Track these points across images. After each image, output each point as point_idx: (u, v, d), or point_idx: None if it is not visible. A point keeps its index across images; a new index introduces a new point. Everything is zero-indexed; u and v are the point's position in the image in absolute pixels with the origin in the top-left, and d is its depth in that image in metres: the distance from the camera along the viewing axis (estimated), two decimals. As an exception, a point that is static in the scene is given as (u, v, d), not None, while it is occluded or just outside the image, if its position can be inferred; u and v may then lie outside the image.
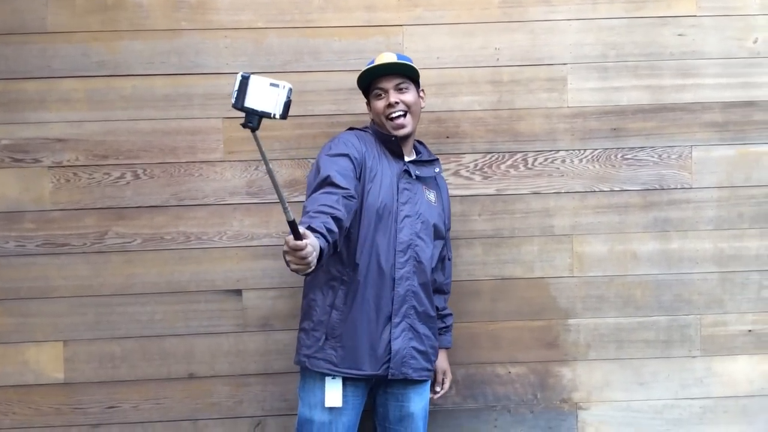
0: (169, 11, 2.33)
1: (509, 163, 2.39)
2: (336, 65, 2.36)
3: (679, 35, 2.41)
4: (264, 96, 1.34)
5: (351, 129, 2.07)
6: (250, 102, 1.33)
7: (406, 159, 2.03)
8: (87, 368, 2.31)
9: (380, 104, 2.00)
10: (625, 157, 2.40)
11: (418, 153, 2.12)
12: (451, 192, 2.30)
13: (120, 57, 2.32)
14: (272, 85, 1.34)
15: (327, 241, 1.62)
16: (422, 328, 1.98)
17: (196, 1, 2.33)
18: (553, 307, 2.40)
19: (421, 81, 2.07)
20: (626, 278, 2.41)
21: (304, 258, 1.46)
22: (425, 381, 2.03)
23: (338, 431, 1.90)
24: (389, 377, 1.92)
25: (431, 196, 2.06)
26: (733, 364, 2.43)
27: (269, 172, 1.37)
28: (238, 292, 2.34)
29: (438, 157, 2.19)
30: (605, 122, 2.40)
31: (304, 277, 2.03)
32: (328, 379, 1.89)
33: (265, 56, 2.34)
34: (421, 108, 2.09)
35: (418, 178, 2.02)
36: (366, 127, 2.08)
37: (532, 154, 2.39)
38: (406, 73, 2.00)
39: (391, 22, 2.37)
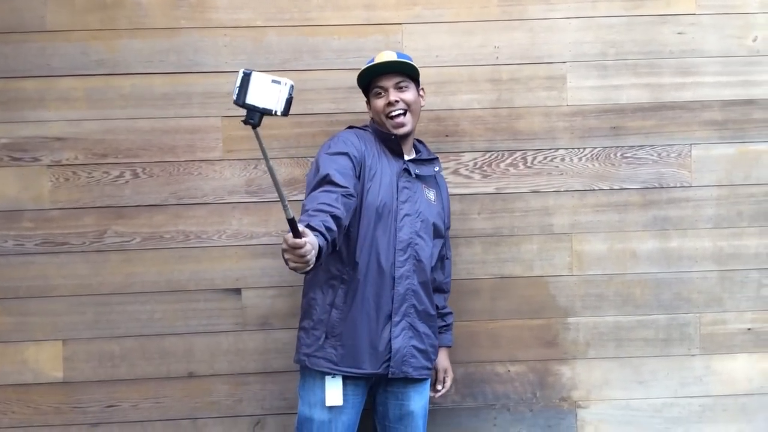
0: (168, 10, 2.33)
1: (508, 161, 2.39)
2: (335, 64, 2.35)
3: (679, 33, 2.41)
4: (265, 93, 1.33)
5: (350, 127, 2.07)
6: (251, 99, 1.33)
7: (406, 158, 2.03)
8: (86, 367, 2.31)
9: (380, 103, 1.99)
10: (625, 155, 2.40)
11: (417, 152, 2.12)
12: (451, 191, 2.30)
13: (119, 55, 2.32)
14: (274, 81, 1.34)
15: (326, 239, 1.62)
16: (422, 327, 1.98)
17: (195, -1, 2.34)
18: (553, 306, 2.40)
19: (421, 79, 2.07)
20: (625, 277, 2.41)
21: (303, 256, 1.46)
22: (425, 380, 2.03)
23: (338, 430, 1.90)
24: (389, 376, 1.92)
25: (431, 194, 2.06)
26: (733, 363, 2.43)
27: (270, 169, 1.36)
28: (237, 291, 2.34)
29: (437, 155, 2.19)
30: (605, 120, 2.40)
31: (303, 276, 2.03)
32: (328, 378, 1.89)
33: (264, 55, 2.34)
34: (421, 106, 2.09)
35: (417, 176, 2.02)
36: (366, 126, 2.08)
37: (532, 152, 2.39)
38: (406, 72, 2.00)
39: (390, 21, 2.37)
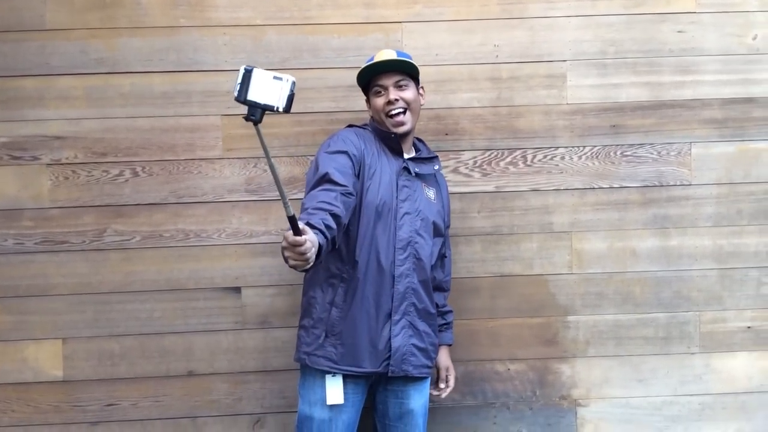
0: (168, 8, 2.33)
1: (508, 160, 2.39)
2: (335, 62, 2.35)
3: (679, 32, 2.40)
4: (267, 89, 1.32)
5: (350, 126, 2.07)
6: (253, 95, 1.32)
7: (406, 156, 2.03)
8: (86, 366, 2.31)
9: (380, 101, 1.99)
10: (625, 153, 2.40)
11: (417, 150, 2.12)
12: (451, 189, 2.30)
13: (118, 54, 2.32)
14: (276, 78, 1.33)
15: (326, 237, 1.62)
16: (422, 325, 1.98)
17: (195, -2, 2.33)
18: (553, 304, 2.40)
19: (421, 78, 2.07)
20: (625, 275, 2.41)
21: (303, 254, 1.46)
22: (425, 378, 2.03)
23: (338, 428, 1.90)
24: (389, 374, 1.92)
25: (431, 193, 2.06)
26: (732, 361, 2.43)
27: (271, 166, 1.35)
28: (237, 290, 2.34)
29: (437, 154, 2.18)
30: (604, 119, 2.40)
31: (303, 275, 2.03)
32: (328, 377, 1.89)
33: (263, 53, 2.33)
34: (421, 105, 2.09)
35: (417, 175, 2.02)
36: (365, 124, 2.08)
37: (531, 151, 2.39)
38: (406, 70, 2.00)
39: (390, 19, 2.36)
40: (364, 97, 2.10)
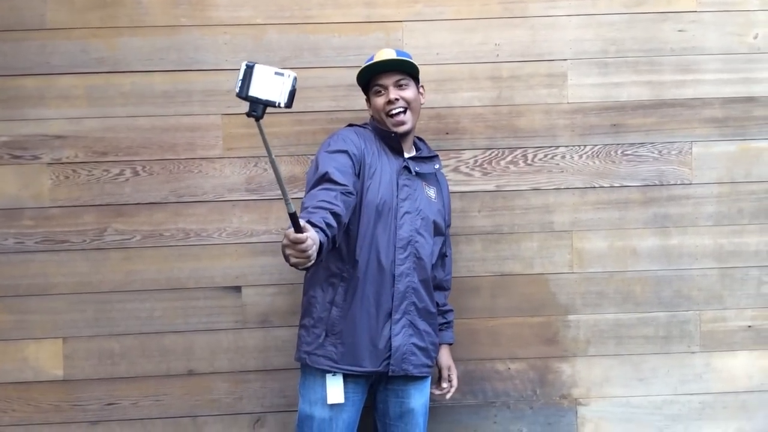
0: (168, 7, 2.33)
1: (509, 159, 2.39)
2: (335, 61, 2.35)
3: (680, 31, 2.40)
4: (269, 85, 1.32)
5: (350, 125, 2.07)
6: (254, 91, 1.31)
7: (406, 155, 2.03)
8: (86, 365, 2.31)
9: (380, 101, 1.99)
10: (625, 153, 2.40)
11: (417, 149, 2.12)
12: (451, 188, 2.29)
13: (119, 53, 2.32)
14: (277, 74, 1.32)
15: (326, 235, 1.61)
16: (422, 325, 1.98)
17: (195, -3, 2.33)
18: (553, 304, 2.40)
19: (421, 77, 2.07)
20: (626, 274, 2.41)
21: (304, 251, 1.45)
22: (426, 377, 2.03)
23: (339, 428, 1.90)
24: (390, 374, 1.92)
25: (431, 192, 2.06)
26: (733, 360, 2.43)
27: (272, 162, 1.35)
28: (237, 289, 2.34)
29: (438, 153, 2.18)
30: (605, 118, 2.40)
31: (303, 274, 2.03)
32: (328, 376, 1.89)
33: (264, 52, 2.33)
34: (421, 104, 2.09)
35: (417, 174, 2.02)
36: (365, 124, 2.08)
37: (532, 150, 2.39)
38: (406, 70, 2.00)
39: (390, 18, 2.36)
40: (365, 97, 2.10)
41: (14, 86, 2.29)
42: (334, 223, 1.67)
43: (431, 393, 2.09)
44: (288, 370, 2.31)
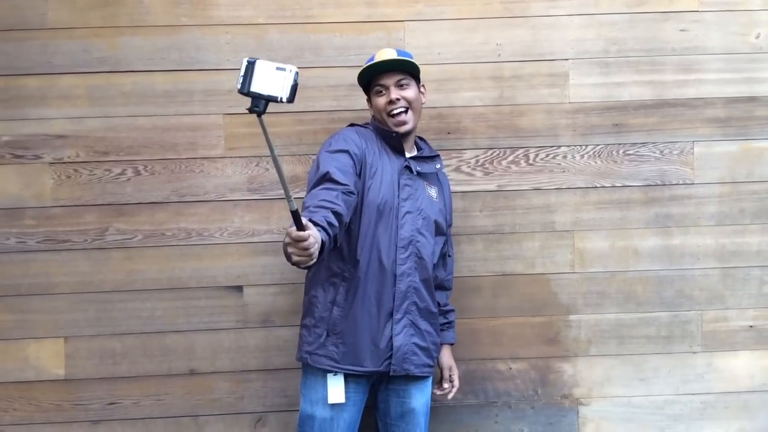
0: (170, 7, 2.33)
1: (510, 159, 2.39)
2: (337, 61, 2.35)
3: (682, 30, 2.40)
4: (270, 80, 1.32)
5: (352, 125, 2.07)
6: (256, 86, 1.31)
7: (408, 155, 2.03)
8: (88, 364, 2.32)
9: (381, 101, 1.99)
10: (627, 152, 2.40)
11: (419, 149, 2.12)
12: (453, 188, 2.29)
13: (120, 53, 2.32)
14: (278, 69, 1.32)
15: (328, 234, 1.61)
16: (424, 324, 1.98)
17: (197, -4, 2.33)
18: (554, 303, 2.40)
19: (423, 77, 2.07)
20: (627, 274, 2.41)
21: (306, 249, 1.44)
22: (427, 377, 2.03)
23: (340, 427, 1.90)
24: (391, 373, 1.92)
25: (432, 192, 2.05)
26: (734, 360, 2.43)
27: (274, 159, 1.34)
28: (238, 289, 2.34)
29: (439, 153, 2.18)
30: (607, 118, 2.39)
31: (305, 274, 2.03)
32: (330, 376, 1.89)
33: (265, 52, 2.33)
34: (422, 104, 2.08)
35: (419, 174, 2.02)
36: (367, 123, 2.08)
37: (534, 149, 2.39)
38: (407, 69, 2.00)
39: (392, 18, 2.36)
40: (366, 97, 2.10)
41: (16, 86, 2.30)
42: (335, 222, 1.67)
43: (432, 393, 2.09)
44: (289, 369, 2.31)
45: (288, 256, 1.49)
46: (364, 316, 1.90)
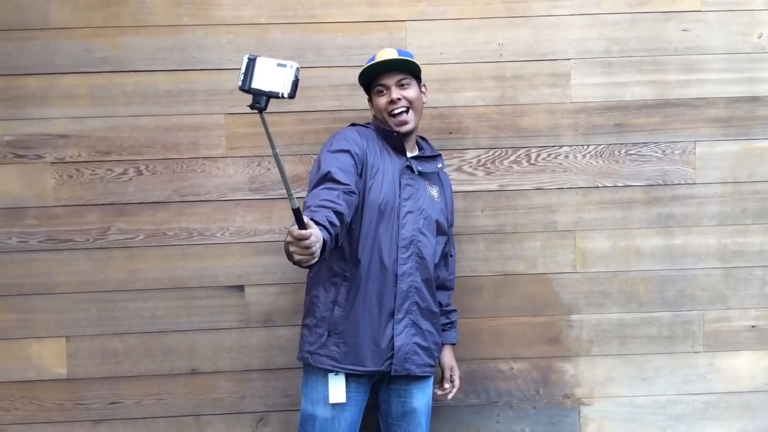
0: (172, 7, 2.33)
1: (512, 158, 2.38)
2: (339, 61, 2.35)
3: (683, 30, 2.40)
4: (271, 76, 1.32)
5: (353, 125, 2.07)
6: (257, 83, 1.32)
7: (409, 155, 2.03)
8: (89, 364, 2.32)
9: (382, 101, 1.99)
10: (629, 152, 2.40)
11: (420, 149, 2.11)
12: (454, 188, 2.29)
13: (122, 53, 2.32)
14: (279, 65, 1.32)
15: (329, 233, 1.61)
16: (425, 324, 1.98)
17: (199, -4, 2.34)
18: (556, 303, 2.40)
19: (424, 77, 2.07)
20: (629, 274, 2.40)
21: (308, 248, 1.44)
22: (428, 377, 2.03)
23: (341, 427, 1.90)
24: (392, 373, 1.92)
25: (434, 191, 2.05)
26: (736, 360, 2.42)
27: (275, 156, 1.34)
28: (240, 288, 2.34)
29: (441, 152, 2.18)
30: (609, 118, 2.39)
31: (306, 273, 2.03)
32: (331, 376, 1.89)
33: (267, 52, 2.33)
34: (423, 103, 2.08)
35: (420, 173, 2.01)
36: (368, 123, 2.08)
37: (535, 149, 2.39)
38: (408, 69, 2.00)
39: (393, 18, 2.36)
40: (367, 96, 2.10)
41: (17, 86, 2.30)
42: (336, 221, 1.67)
43: (434, 393, 2.09)
44: (291, 369, 2.31)
45: (289, 255, 1.49)
46: (366, 316, 1.90)
